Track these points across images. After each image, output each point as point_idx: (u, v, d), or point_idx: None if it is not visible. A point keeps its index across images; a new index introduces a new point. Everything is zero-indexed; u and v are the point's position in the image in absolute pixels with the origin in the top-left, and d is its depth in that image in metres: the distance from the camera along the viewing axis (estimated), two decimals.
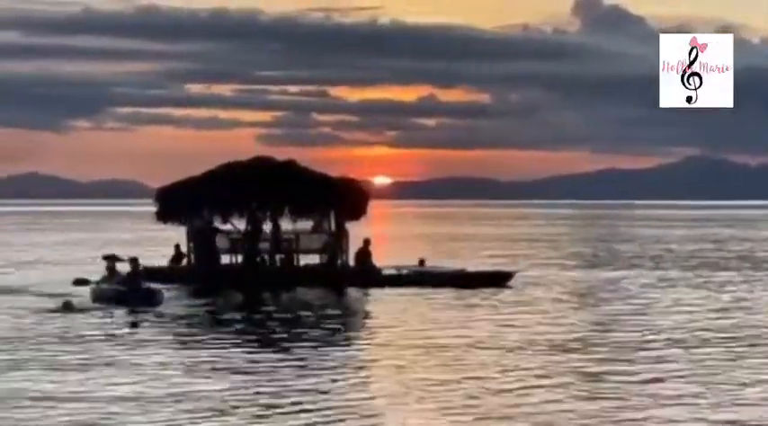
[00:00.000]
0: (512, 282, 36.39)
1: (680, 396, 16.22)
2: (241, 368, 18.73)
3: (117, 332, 24.20)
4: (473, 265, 41.82)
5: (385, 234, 79.53)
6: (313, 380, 17.49)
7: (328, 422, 14.34)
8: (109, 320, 26.43)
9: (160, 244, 37.07)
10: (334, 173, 39.60)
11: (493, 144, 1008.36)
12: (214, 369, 18.67)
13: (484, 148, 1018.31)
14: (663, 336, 23.47)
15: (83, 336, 23.23)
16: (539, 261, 50.42)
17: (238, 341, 22.60)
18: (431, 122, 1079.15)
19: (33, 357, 20.10)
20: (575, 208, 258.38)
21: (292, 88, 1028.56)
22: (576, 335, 23.60)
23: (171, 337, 23.51)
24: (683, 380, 17.73)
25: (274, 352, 20.80)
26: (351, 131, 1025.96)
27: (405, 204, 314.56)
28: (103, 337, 23.11)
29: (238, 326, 25.39)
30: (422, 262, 38.77)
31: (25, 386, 16.93)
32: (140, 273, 30.85)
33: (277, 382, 17.29)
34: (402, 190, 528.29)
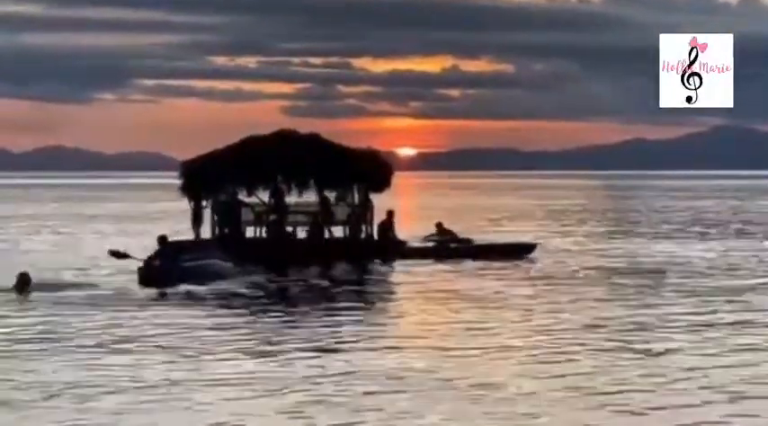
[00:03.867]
0: (535, 254, 36.57)
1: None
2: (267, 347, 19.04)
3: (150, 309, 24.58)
4: (495, 236, 42.02)
5: (409, 205, 79.66)
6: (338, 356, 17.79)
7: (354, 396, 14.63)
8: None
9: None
10: (359, 144, 39.94)
11: (517, 115, 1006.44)
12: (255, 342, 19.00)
13: (508, 119, 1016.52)
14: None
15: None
16: (562, 233, 50.49)
17: (270, 312, 22.95)
18: (455, 93, 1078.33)
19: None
20: (601, 179, 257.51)
21: (316, 60, 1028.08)
22: (599, 313, 23.84)
23: (205, 311, 23.84)
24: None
25: (301, 327, 21.12)
26: (375, 102, 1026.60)
27: (429, 175, 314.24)
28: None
29: (271, 298, 25.73)
30: (439, 225, 39.15)
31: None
32: (174, 249, 30.08)
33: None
34: (426, 162, 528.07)
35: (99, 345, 18.49)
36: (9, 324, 21.02)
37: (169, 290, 27.02)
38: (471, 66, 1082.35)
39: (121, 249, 31.03)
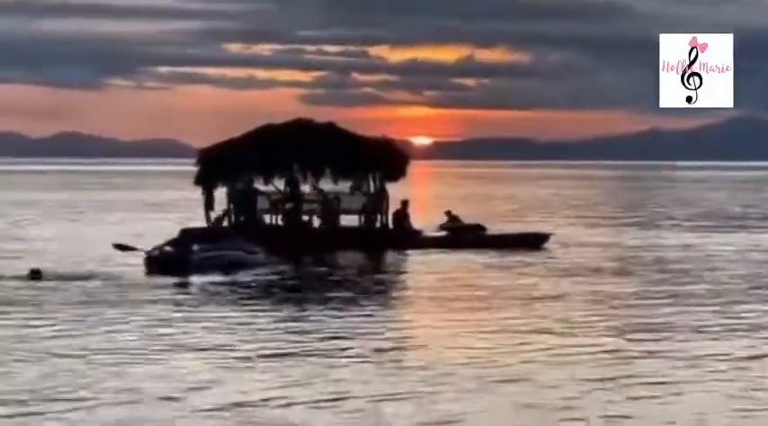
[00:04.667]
0: (549, 244, 36.64)
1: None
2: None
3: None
4: (509, 226, 42.09)
5: (423, 195, 79.72)
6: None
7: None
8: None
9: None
10: (374, 132, 40.08)
11: (532, 104, 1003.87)
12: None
13: (523, 109, 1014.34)
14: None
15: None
16: (575, 223, 50.47)
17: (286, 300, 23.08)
18: (470, 82, 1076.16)
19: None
20: (615, 170, 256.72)
21: (333, 48, 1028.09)
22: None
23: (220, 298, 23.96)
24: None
25: (317, 313, 21.28)
26: (391, 91, 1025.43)
27: (443, 164, 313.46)
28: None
29: (291, 289, 25.88)
30: (449, 213, 39.36)
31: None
32: (189, 237, 29.28)
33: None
34: (441, 151, 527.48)
35: (110, 343, 18.05)
36: (18, 318, 20.63)
37: (184, 280, 26.59)
38: (487, 55, 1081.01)
39: (128, 242, 30.42)
